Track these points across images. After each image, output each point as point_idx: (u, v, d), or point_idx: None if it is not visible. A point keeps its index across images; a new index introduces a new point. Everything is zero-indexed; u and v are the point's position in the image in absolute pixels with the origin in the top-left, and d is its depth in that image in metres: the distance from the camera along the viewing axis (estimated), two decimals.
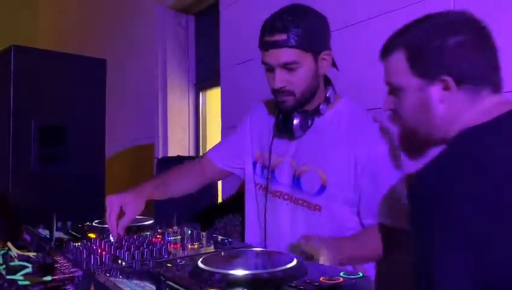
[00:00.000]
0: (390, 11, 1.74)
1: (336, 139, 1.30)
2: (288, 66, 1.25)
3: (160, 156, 3.30)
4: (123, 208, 1.23)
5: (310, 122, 1.32)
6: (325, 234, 1.27)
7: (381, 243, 1.24)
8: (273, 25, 1.24)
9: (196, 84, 3.46)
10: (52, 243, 1.17)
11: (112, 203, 1.22)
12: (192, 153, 3.40)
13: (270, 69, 1.29)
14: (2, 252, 1.20)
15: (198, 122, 3.46)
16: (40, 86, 1.85)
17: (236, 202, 2.15)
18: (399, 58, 0.96)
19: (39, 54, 1.92)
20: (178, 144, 3.38)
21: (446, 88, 0.92)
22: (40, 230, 1.34)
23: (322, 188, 1.29)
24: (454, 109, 0.92)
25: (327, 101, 1.33)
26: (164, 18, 3.39)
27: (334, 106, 1.35)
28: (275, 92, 1.30)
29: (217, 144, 1.65)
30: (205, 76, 3.37)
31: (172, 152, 3.28)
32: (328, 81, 1.37)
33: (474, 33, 0.92)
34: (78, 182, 1.90)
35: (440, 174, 0.85)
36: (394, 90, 1.00)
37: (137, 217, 1.44)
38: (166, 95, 3.37)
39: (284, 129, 1.34)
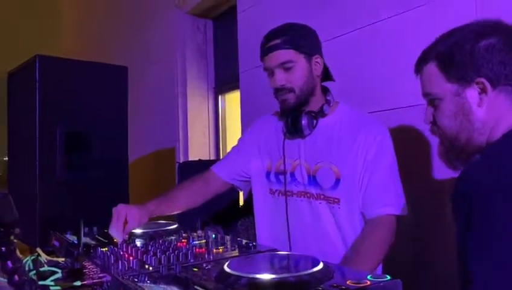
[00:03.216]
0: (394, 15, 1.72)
1: (340, 137, 1.42)
2: (285, 66, 1.41)
3: (181, 160, 3.33)
4: (127, 217, 1.33)
5: (315, 122, 1.44)
6: (345, 225, 1.37)
7: (385, 241, 1.31)
8: (267, 36, 1.44)
9: (215, 88, 3.48)
10: (80, 248, 1.19)
11: (120, 211, 1.35)
12: (213, 157, 3.42)
13: (270, 73, 1.45)
14: (32, 258, 1.23)
15: (218, 126, 3.48)
16: (64, 94, 1.88)
17: None
18: (432, 68, 0.99)
19: (63, 62, 1.95)
20: (199, 148, 3.40)
21: (482, 91, 0.93)
22: (68, 236, 1.36)
23: (337, 181, 1.39)
24: (494, 111, 0.93)
25: (328, 102, 1.46)
26: (182, 23, 3.42)
27: (335, 110, 1.48)
28: (277, 91, 1.44)
29: (222, 159, 1.74)
30: (224, 80, 3.39)
31: (193, 156, 3.31)
32: (326, 89, 1.51)
33: (504, 35, 0.93)
34: (103, 187, 1.93)
35: (493, 171, 0.84)
36: (432, 101, 1.02)
37: (162, 221, 1.48)
38: (186, 99, 3.40)
39: (293, 129, 1.44)
